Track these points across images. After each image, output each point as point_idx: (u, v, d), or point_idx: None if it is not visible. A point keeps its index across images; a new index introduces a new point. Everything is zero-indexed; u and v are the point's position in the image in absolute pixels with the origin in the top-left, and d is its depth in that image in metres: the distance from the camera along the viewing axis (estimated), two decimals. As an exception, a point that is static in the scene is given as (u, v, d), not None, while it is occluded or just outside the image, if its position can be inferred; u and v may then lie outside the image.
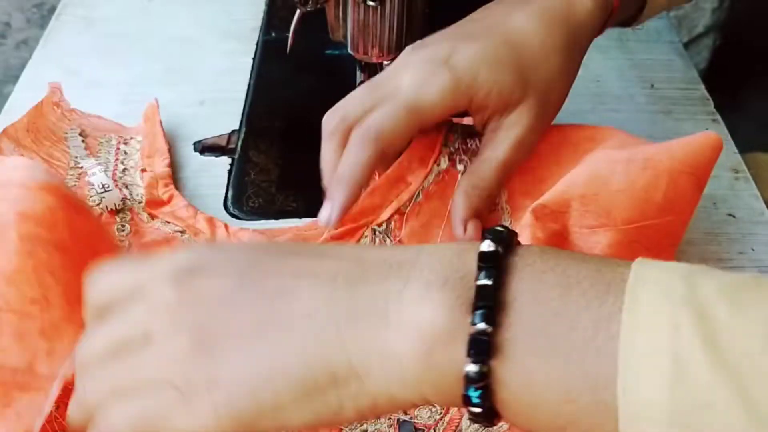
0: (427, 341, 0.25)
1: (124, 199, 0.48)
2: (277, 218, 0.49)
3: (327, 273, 0.27)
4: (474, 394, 0.24)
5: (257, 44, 0.65)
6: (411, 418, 0.37)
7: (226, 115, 0.57)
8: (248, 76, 0.62)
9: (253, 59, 0.64)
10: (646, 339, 0.22)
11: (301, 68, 0.63)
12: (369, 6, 0.46)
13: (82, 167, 0.49)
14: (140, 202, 0.49)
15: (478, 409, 0.25)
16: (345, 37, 0.50)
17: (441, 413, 0.37)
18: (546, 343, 0.24)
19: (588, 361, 0.23)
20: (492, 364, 0.24)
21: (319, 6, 0.47)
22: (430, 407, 0.37)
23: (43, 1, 0.99)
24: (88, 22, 0.67)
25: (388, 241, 0.44)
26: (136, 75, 0.62)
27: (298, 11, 0.48)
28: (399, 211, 0.45)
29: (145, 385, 0.28)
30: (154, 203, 0.49)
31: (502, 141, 0.42)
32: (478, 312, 0.24)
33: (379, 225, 0.45)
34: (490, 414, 0.25)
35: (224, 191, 0.52)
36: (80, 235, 0.38)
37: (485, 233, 0.26)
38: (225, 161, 0.54)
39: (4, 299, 0.34)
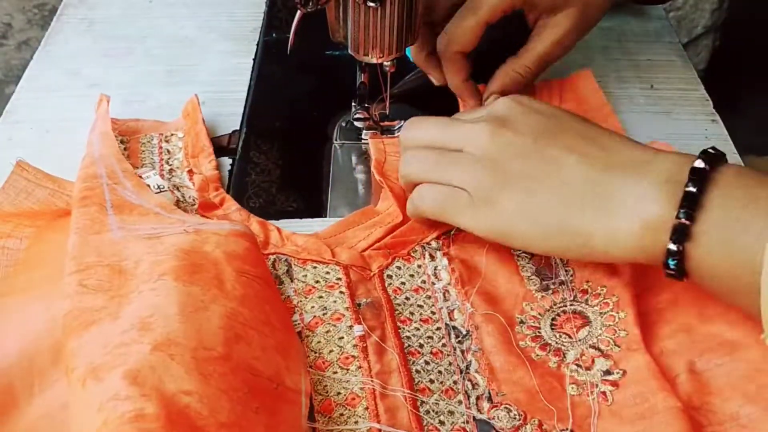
0: (644, 224, 0.36)
1: (177, 202, 0.48)
2: (278, 218, 0.49)
3: (589, 155, 0.39)
4: (671, 263, 0.36)
5: (258, 45, 0.65)
6: (490, 419, 0.37)
7: (226, 116, 0.58)
8: (249, 76, 0.62)
9: (254, 60, 0.64)
10: None
11: (301, 69, 0.63)
12: (369, 7, 0.46)
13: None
14: (192, 205, 0.49)
15: (673, 272, 0.36)
16: (345, 37, 0.50)
17: (520, 420, 0.37)
18: (725, 237, 0.34)
19: (750, 254, 0.33)
20: (686, 246, 0.35)
21: (319, 7, 0.47)
22: (509, 411, 0.38)
23: (45, 1, 1.00)
24: (89, 22, 0.68)
25: (438, 254, 0.46)
26: (137, 75, 0.62)
27: (298, 12, 0.48)
28: (445, 233, 0.47)
29: (449, 183, 0.42)
30: (207, 206, 0.49)
31: (547, 37, 0.52)
32: (682, 210, 0.35)
33: (428, 243, 0.46)
34: (681, 275, 0.36)
35: (225, 191, 0.52)
36: (267, 270, 0.42)
37: (701, 153, 0.36)
38: (226, 161, 0.54)
39: (243, 317, 0.37)
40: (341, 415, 0.38)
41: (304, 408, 0.36)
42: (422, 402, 0.38)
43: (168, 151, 0.53)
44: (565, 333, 0.41)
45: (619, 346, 0.40)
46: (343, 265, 0.44)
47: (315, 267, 0.44)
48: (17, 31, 1.03)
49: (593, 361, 0.40)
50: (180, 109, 0.56)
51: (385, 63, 0.50)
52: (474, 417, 0.38)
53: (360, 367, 0.39)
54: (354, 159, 0.55)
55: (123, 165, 0.47)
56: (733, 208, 0.34)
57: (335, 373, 0.39)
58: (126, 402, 0.30)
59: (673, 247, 0.35)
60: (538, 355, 0.41)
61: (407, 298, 0.44)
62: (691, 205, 0.35)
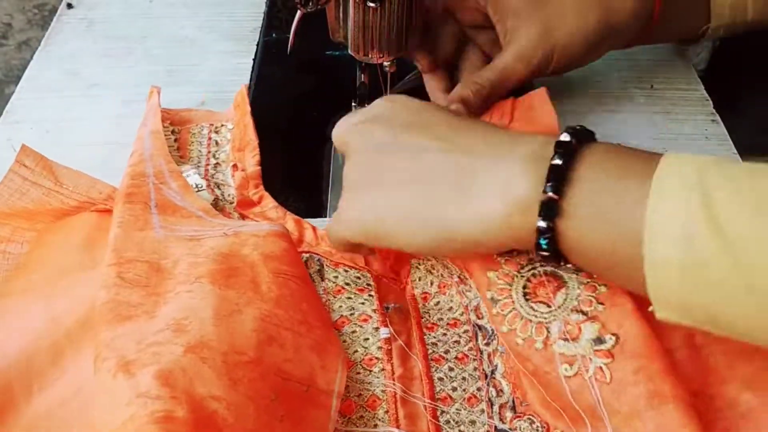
0: (509, 204, 0.34)
1: (216, 200, 0.48)
2: (277, 218, 0.49)
3: (453, 142, 0.37)
4: (543, 243, 0.34)
5: (258, 45, 0.65)
6: (512, 430, 0.37)
7: (226, 116, 0.57)
8: (249, 76, 0.62)
9: (254, 60, 0.64)
10: (665, 213, 0.29)
11: (301, 69, 0.63)
12: (369, 7, 0.46)
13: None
14: (231, 203, 0.49)
15: (546, 253, 0.34)
16: (345, 38, 0.50)
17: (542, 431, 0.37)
18: (597, 210, 0.32)
19: (625, 225, 0.31)
20: (557, 222, 0.33)
21: (319, 7, 0.47)
22: (531, 422, 0.37)
23: (45, 1, 1.00)
24: (89, 23, 0.68)
25: (439, 267, 0.44)
26: (137, 76, 0.62)
27: (298, 12, 0.48)
28: None
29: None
30: (245, 204, 0.49)
31: (507, 51, 0.51)
32: (549, 184, 0.33)
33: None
34: (556, 257, 0.34)
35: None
36: (304, 269, 0.43)
37: (566, 128, 0.34)
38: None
39: (278, 318, 0.37)
40: (361, 417, 0.37)
41: (334, 411, 0.36)
42: (443, 411, 0.38)
43: (216, 143, 0.53)
44: (541, 301, 0.37)
45: (602, 303, 0.36)
46: (374, 274, 0.45)
47: (347, 270, 0.44)
48: (17, 31, 1.03)
49: (580, 330, 0.36)
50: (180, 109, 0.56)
51: (385, 63, 0.50)
52: (496, 427, 0.37)
53: (383, 370, 0.39)
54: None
55: (171, 166, 0.48)
56: (604, 180, 0.32)
57: (358, 373, 0.39)
58: (156, 402, 0.30)
59: (542, 224, 0.33)
60: (522, 339, 0.37)
61: (437, 303, 0.43)
62: (558, 178, 0.33)
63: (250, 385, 0.33)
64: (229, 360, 0.33)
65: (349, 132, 0.41)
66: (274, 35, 0.67)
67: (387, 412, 0.37)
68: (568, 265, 0.37)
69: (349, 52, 0.50)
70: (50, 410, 0.36)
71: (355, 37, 0.48)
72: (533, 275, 0.38)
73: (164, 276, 0.39)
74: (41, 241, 0.46)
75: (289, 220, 0.48)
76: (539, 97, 0.54)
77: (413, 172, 0.37)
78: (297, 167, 0.54)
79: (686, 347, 0.36)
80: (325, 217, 0.51)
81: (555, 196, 0.32)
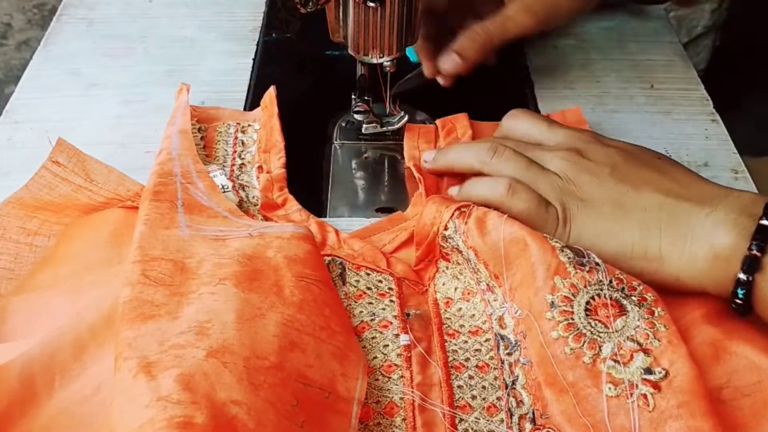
0: (716, 253, 0.38)
1: (240, 202, 0.48)
2: (277, 218, 0.49)
3: (663, 186, 0.42)
4: (740, 293, 0.37)
5: (257, 45, 0.65)
6: None
7: (226, 116, 0.57)
8: (249, 76, 0.62)
9: (254, 60, 0.64)
10: None
11: (301, 69, 0.63)
12: (369, 7, 0.46)
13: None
14: (255, 205, 0.49)
15: (740, 302, 0.37)
16: (345, 37, 0.50)
17: None
18: None
19: None
20: (756, 277, 0.37)
21: (319, 7, 0.47)
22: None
23: (44, 1, 1.00)
24: (89, 22, 0.68)
25: (460, 240, 0.43)
26: (136, 75, 0.62)
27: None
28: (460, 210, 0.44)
29: (537, 190, 0.44)
30: (269, 206, 0.49)
31: (511, 3, 0.53)
32: (755, 242, 0.36)
33: (446, 228, 0.43)
34: (747, 308, 0.38)
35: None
36: (327, 272, 0.43)
37: None
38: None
39: (300, 323, 0.37)
40: (378, 423, 0.37)
41: (354, 418, 0.36)
42: (461, 419, 0.37)
43: (242, 143, 0.53)
44: (599, 321, 0.38)
45: (659, 341, 0.36)
46: (396, 277, 0.44)
47: (368, 274, 0.44)
48: (17, 31, 1.03)
49: (632, 357, 0.36)
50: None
51: (385, 63, 0.50)
52: None
53: (402, 377, 0.39)
54: (354, 159, 0.55)
55: (198, 166, 0.48)
56: None
57: (376, 380, 0.39)
58: (176, 406, 0.30)
59: (743, 276, 0.37)
60: (571, 348, 0.37)
61: (459, 309, 0.43)
62: (763, 237, 0.36)
63: (271, 391, 0.33)
64: (251, 365, 0.33)
65: (558, 158, 0.45)
66: (273, 35, 0.67)
67: (404, 419, 0.37)
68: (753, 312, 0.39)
69: (349, 51, 0.50)
70: (71, 406, 0.36)
71: (354, 37, 0.48)
72: (598, 295, 0.39)
73: (188, 275, 0.38)
74: (68, 235, 0.46)
75: (313, 223, 0.48)
76: (573, 114, 0.55)
77: (630, 206, 0.42)
78: (297, 167, 0.54)
79: (714, 401, 0.36)
80: (325, 217, 0.51)
81: (758, 254, 0.36)
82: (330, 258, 0.45)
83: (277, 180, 0.50)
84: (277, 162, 0.51)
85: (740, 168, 0.54)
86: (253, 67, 0.63)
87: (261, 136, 0.53)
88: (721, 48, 1.05)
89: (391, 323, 0.41)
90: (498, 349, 0.40)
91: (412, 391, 0.38)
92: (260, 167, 0.51)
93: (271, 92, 0.55)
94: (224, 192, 0.48)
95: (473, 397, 0.38)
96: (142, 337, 0.34)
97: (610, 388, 0.36)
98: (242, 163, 0.52)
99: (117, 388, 0.33)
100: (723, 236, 0.38)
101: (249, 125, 0.55)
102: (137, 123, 0.57)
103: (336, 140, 0.56)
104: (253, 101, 0.59)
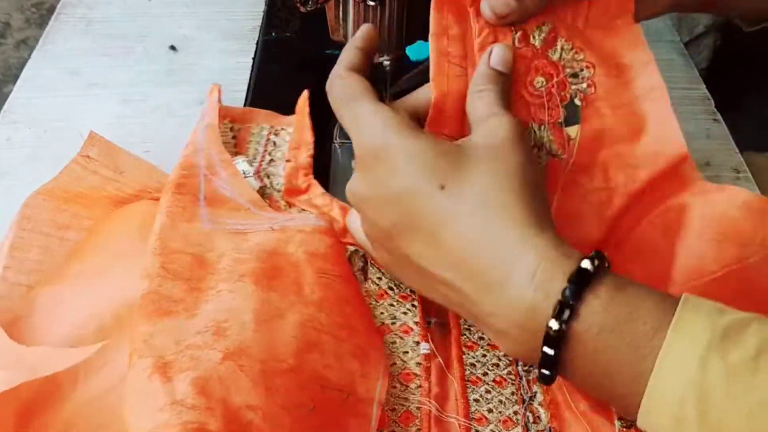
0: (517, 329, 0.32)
1: (263, 188, 0.48)
2: (277, 218, 0.49)
3: (442, 293, 0.35)
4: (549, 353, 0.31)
5: (257, 44, 0.65)
6: None
7: (226, 115, 0.57)
8: (248, 76, 0.62)
9: (253, 59, 0.63)
10: (660, 400, 0.29)
11: (301, 68, 0.63)
12: (369, 6, 0.46)
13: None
14: (279, 191, 0.49)
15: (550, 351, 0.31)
16: (345, 37, 0.49)
17: None
18: (596, 371, 0.31)
19: (621, 387, 0.30)
20: (562, 355, 0.31)
21: (318, 6, 0.47)
22: None
23: (43, 0, 0.99)
24: (88, 21, 0.67)
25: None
26: (136, 75, 0.61)
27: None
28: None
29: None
30: (293, 191, 0.49)
31: None
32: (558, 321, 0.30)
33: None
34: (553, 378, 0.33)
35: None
36: (349, 266, 0.43)
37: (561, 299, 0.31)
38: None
39: (319, 322, 0.37)
40: None
41: (374, 420, 0.36)
42: (477, 431, 0.37)
43: (274, 144, 0.53)
44: None
45: None
46: None
47: None
48: (15, 30, 1.03)
49: None
50: (179, 109, 0.56)
51: (385, 62, 0.50)
52: None
53: (420, 387, 0.38)
54: (354, 159, 0.55)
55: (222, 156, 0.47)
56: (607, 335, 0.31)
57: (394, 387, 0.38)
58: (191, 411, 0.30)
59: (548, 350, 0.31)
60: None
61: None
62: (553, 343, 0.31)
63: (287, 395, 0.33)
64: (268, 368, 0.33)
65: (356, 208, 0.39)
66: (273, 34, 0.66)
67: (420, 430, 0.37)
68: None
69: (349, 51, 0.50)
70: (95, 398, 0.36)
71: (355, 36, 0.48)
72: None
73: (207, 270, 0.38)
74: (96, 229, 0.46)
75: (336, 207, 0.47)
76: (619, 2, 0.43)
77: (412, 270, 0.36)
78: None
79: None
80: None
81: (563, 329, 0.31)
82: (353, 248, 0.44)
83: (303, 167, 0.50)
84: (305, 154, 0.51)
85: (742, 167, 0.54)
86: (252, 66, 0.63)
87: (294, 137, 0.53)
88: (723, 47, 1.05)
89: (412, 329, 0.41)
90: (516, 364, 0.40)
91: (430, 402, 0.38)
92: (288, 160, 0.51)
93: (305, 95, 0.54)
94: (245, 177, 0.48)
95: (490, 410, 0.38)
96: (159, 333, 0.34)
97: (621, 423, 0.36)
98: (271, 159, 0.52)
99: (131, 386, 0.32)
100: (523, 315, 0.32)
101: (282, 129, 0.54)
102: (136, 122, 0.57)
103: (336, 140, 0.56)
104: (252, 100, 0.59)
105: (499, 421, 0.37)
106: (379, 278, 0.43)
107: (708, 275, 0.38)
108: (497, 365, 0.40)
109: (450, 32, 0.41)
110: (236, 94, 0.59)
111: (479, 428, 0.37)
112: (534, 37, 0.41)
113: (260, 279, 0.37)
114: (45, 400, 0.36)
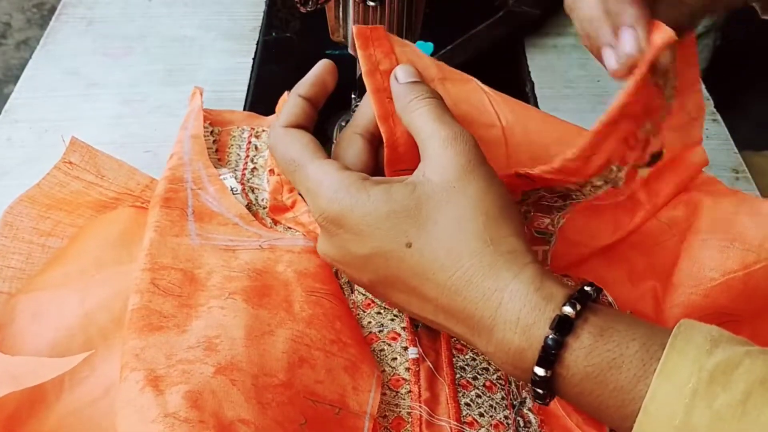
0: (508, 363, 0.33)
1: (249, 205, 0.48)
2: (277, 218, 0.49)
3: (437, 326, 0.36)
4: (540, 391, 0.32)
5: (257, 44, 0.65)
6: None
7: (226, 115, 0.57)
8: (248, 76, 0.62)
9: (253, 59, 0.64)
10: None
11: (301, 68, 0.63)
12: (369, 6, 0.46)
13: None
14: (264, 208, 0.48)
15: (541, 391, 0.32)
16: (345, 37, 0.50)
17: None
18: (585, 408, 0.32)
19: (610, 423, 0.31)
20: (554, 379, 0.31)
21: (318, 6, 0.47)
22: None
23: (44, 1, 1.00)
24: (89, 22, 0.67)
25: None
26: (136, 75, 0.62)
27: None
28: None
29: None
30: (278, 209, 0.48)
31: None
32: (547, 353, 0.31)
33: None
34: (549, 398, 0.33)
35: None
36: (338, 284, 0.43)
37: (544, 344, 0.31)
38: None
39: (309, 338, 0.37)
40: None
41: None
42: None
43: (256, 147, 0.52)
44: None
45: None
46: None
47: None
48: (16, 31, 1.03)
49: None
50: (179, 109, 0.56)
51: (385, 62, 0.50)
52: None
53: (410, 392, 0.39)
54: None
55: (209, 170, 0.47)
56: (596, 371, 0.31)
57: (384, 394, 0.38)
58: (184, 424, 0.30)
59: (541, 371, 0.32)
60: None
61: None
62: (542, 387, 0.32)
63: (279, 409, 0.33)
64: (259, 383, 0.33)
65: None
66: (273, 34, 0.66)
67: None
68: None
69: (349, 51, 0.50)
70: (80, 408, 0.36)
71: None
72: None
73: (197, 286, 0.38)
74: (78, 236, 0.46)
75: None
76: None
77: (414, 313, 0.37)
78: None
79: None
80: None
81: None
82: None
83: (287, 182, 0.50)
84: None
85: (741, 168, 0.54)
86: (252, 66, 0.63)
87: None
88: (722, 47, 1.05)
89: (400, 335, 0.41)
90: None
91: (420, 406, 0.38)
92: (272, 170, 0.51)
93: (284, 97, 0.55)
94: (234, 194, 0.48)
95: (481, 414, 0.38)
96: (149, 348, 0.34)
97: None
98: (254, 167, 0.51)
99: (122, 398, 0.33)
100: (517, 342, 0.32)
101: (263, 130, 0.54)
102: (136, 122, 0.57)
103: (336, 140, 0.56)
104: (252, 101, 0.59)
105: (491, 425, 0.38)
106: None
107: (710, 282, 0.38)
108: (487, 369, 0.40)
109: (381, 68, 0.41)
110: (236, 94, 0.60)
111: None
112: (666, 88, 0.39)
113: (251, 297, 0.38)
114: (30, 410, 0.36)
